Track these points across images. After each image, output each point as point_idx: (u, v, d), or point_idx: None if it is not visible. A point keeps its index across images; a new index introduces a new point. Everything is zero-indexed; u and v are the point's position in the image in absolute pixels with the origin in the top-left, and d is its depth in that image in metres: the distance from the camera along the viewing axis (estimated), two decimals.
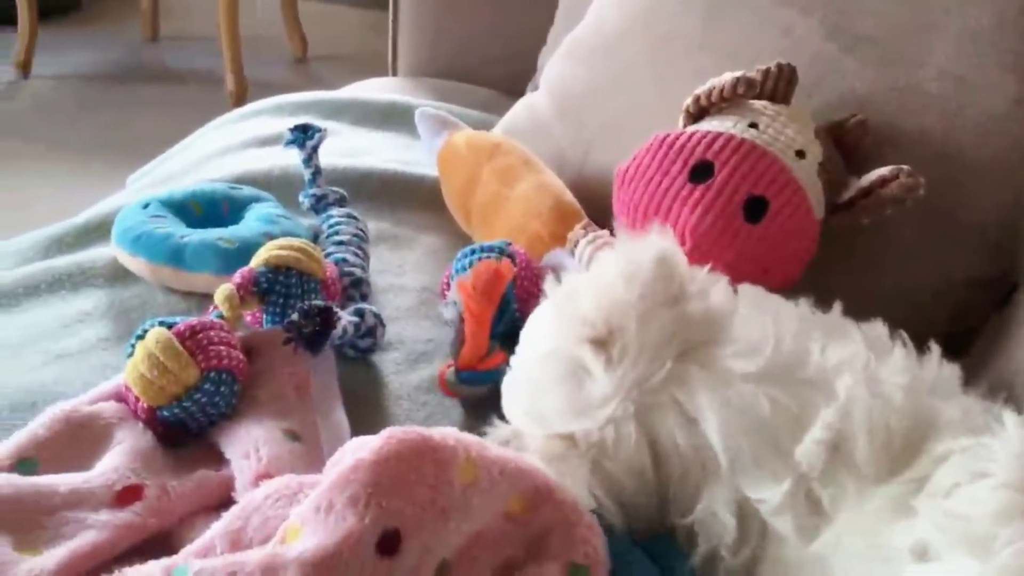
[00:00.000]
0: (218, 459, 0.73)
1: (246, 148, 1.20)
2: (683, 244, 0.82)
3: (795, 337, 0.66)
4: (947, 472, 0.59)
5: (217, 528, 0.61)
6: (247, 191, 1.03)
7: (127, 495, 0.67)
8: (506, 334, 0.87)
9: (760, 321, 0.67)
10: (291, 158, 1.08)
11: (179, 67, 3.12)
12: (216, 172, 1.12)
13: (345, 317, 0.83)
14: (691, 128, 0.89)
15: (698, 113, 0.90)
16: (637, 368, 0.65)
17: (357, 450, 0.60)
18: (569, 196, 1.01)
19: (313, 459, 0.72)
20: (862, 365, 0.64)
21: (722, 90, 0.87)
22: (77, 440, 0.72)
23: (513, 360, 0.74)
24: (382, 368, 0.86)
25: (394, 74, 1.62)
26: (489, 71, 1.52)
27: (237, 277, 0.83)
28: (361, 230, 1.00)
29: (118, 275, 0.94)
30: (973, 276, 0.92)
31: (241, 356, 0.78)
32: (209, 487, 0.70)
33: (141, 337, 0.76)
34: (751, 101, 0.89)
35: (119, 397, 0.76)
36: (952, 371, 0.66)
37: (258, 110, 1.35)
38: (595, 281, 0.70)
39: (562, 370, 0.68)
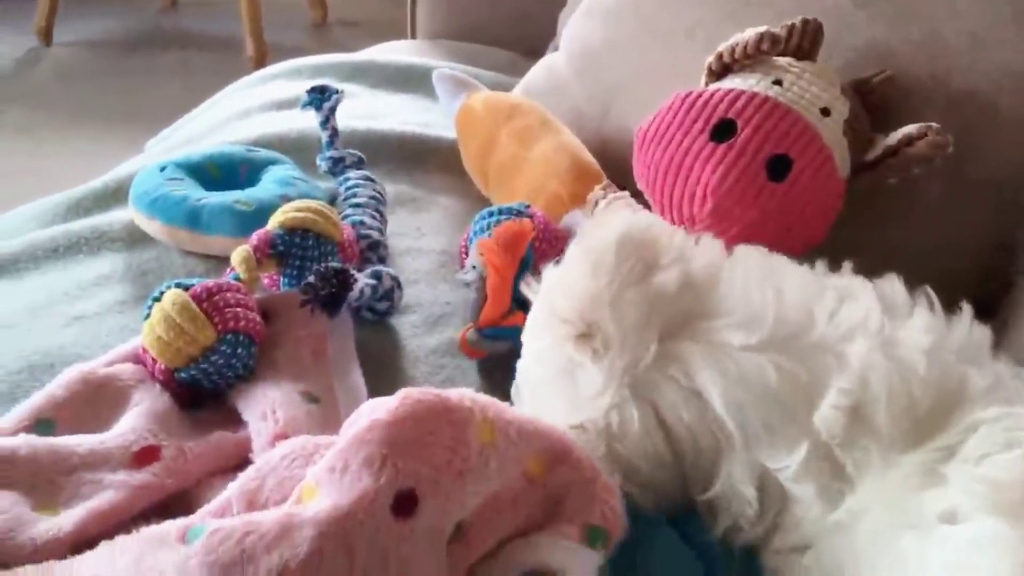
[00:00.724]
0: (235, 421, 0.73)
1: (263, 111, 1.20)
2: (704, 204, 0.81)
3: (800, 302, 0.64)
4: (977, 442, 0.57)
5: (233, 488, 0.61)
6: (264, 154, 1.02)
7: (144, 456, 0.67)
8: (524, 299, 0.86)
9: (760, 288, 0.65)
10: (308, 121, 1.08)
11: (199, 33, 3.12)
12: (233, 135, 1.11)
13: (362, 280, 0.83)
14: (713, 86, 0.87)
15: (721, 71, 0.88)
16: (624, 355, 0.64)
17: (373, 411, 0.59)
18: (588, 156, 0.99)
19: (330, 421, 0.71)
20: (876, 328, 0.62)
21: (745, 46, 0.86)
22: (94, 402, 0.72)
23: (518, 364, 0.74)
24: (399, 331, 0.86)
25: (412, 37, 1.61)
26: (508, 33, 1.51)
27: (254, 239, 0.83)
28: (379, 192, 0.99)
29: (135, 238, 0.94)
30: (1001, 239, 0.89)
31: (258, 318, 0.77)
32: (226, 448, 0.70)
33: (158, 299, 0.75)
34: (775, 58, 0.87)
35: (136, 359, 0.76)
36: (983, 334, 0.64)
37: (275, 73, 1.34)
38: (564, 276, 0.69)
39: (555, 369, 0.68)
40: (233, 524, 0.55)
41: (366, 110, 1.20)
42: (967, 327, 0.64)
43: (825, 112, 0.84)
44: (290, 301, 0.80)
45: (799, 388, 0.61)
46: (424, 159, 1.11)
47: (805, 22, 0.88)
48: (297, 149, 1.07)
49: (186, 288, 0.76)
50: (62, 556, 0.59)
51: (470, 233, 0.91)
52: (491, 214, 0.91)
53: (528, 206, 0.91)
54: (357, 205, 0.96)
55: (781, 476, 0.62)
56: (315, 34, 3.13)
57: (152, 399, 0.73)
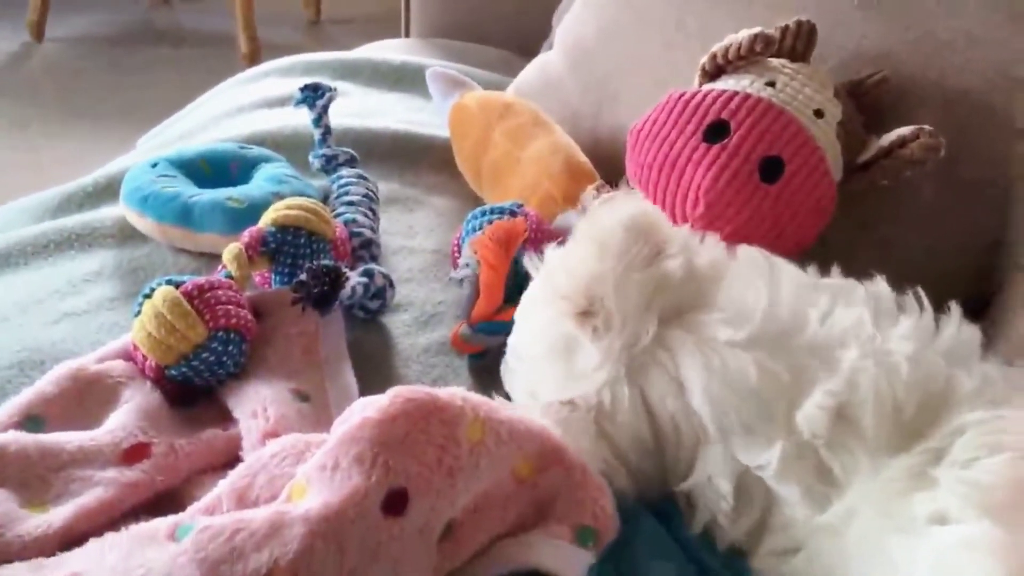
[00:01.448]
0: (226, 418, 0.73)
1: (256, 108, 1.20)
2: (696, 205, 0.81)
3: (793, 303, 0.65)
4: (964, 445, 0.58)
5: (223, 486, 0.61)
6: (256, 151, 1.02)
7: (134, 453, 0.67)
8: (516, 298, 0.86)
9: (754, 287, 0.66)
10: (301, 118, 1.07)
11: (192, 29, 3.11)
12: (226, 132, 1.11)
13: (354, 278, 0.83)
14: (707, 86, 0.87)
15: (714, 71, 0.88)
16: (623, 334, 0.65)
17: (364, 409, 0.59)
18: (581, 156, 0.99)
19: (321, 419, 0.71)
20: (868, 335, 0.63)
21: (739, 47, 0.85)
22: (84, 398, 0.72)
23: (509, 341, 0.74)
24: (391, 329, 0.86)
25: (407, 35, 1.61)
26: (502, 32, 1.50)
27: (246, 237, 0.83)
28: (371, 191, 0.99)
29: (127, 234, 0.93)
30: (994, 238, 0.90)
31: (249, 316, 0.77)
32: (216, 446, 0.70)
33: (149, 296, 0.75)
34: (769, 59, 0.87)
35: (127, 356, 0.76)
36: (972, 334, 0.65)
37: (268, 70, 1.34)
38: (570, 254, 0.70)
39: (554, 345, 0.69)
40: (223, 522, 0.55)
41: (359, 108, 1.20)
42: (956, 328, 0.65)
43: (818, 114, 0.84)
44: (281, 299, 0.80)
45: (780, 387, 0.62)
46: (417, 158, 1.11)
47: (799, 23, 0.88)
48: (289, 147, 1.07)
49: (177, 285, 0.75)
50: (51, 553, 0.59)
51: (462, 232, 0.91)
52: (484, 213, 0.91)
53: (521, 205, 0.91)
54: (349, 203, 0.96)
55: (763, 474, 0.62)
56: (308, 31, 3.12)
57: (142, 396, 0.73)
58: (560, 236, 0.89)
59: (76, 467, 0.65)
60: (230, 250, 0.81)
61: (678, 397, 0.64)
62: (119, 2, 3.22)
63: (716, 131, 0.82)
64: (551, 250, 0.73)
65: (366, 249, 0.91)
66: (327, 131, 1.05)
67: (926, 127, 0.82)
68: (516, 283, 0.86)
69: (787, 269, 0.69)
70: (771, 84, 0.85)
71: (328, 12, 3.16)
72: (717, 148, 0.81)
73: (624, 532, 0.64)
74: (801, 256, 0.72)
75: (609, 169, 0.97)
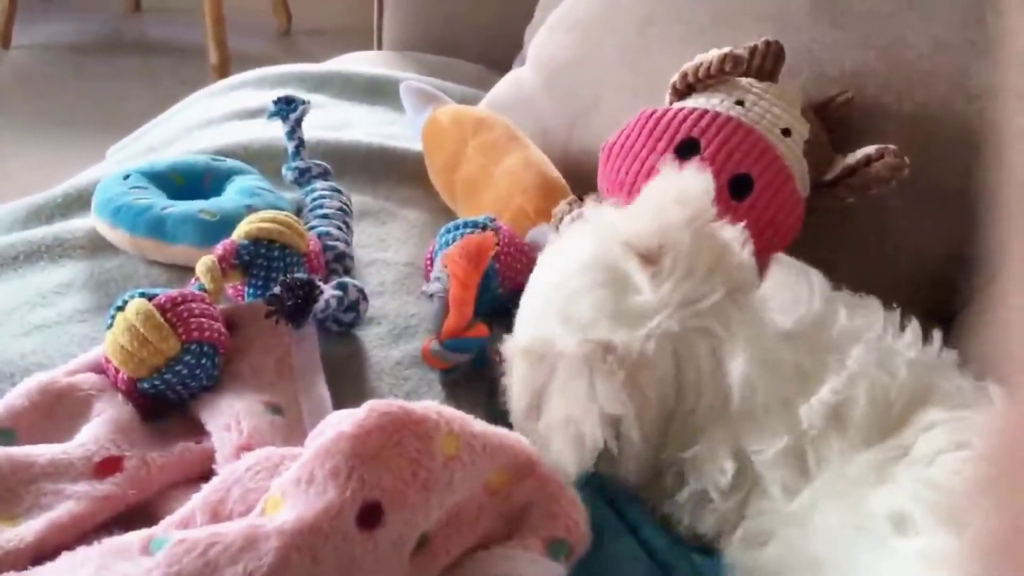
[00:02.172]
0: (199, 431, 0.73)
1: (228, 120, 1.19)
2: None
3: (822, 304, 0.68)
4: (931, 440, 0.60)
5: (197, 499, 0.61)
6: (229, 163, 1.02)
7: (106, 466, 0.67)
8: (487, 312, 0.87)
9: (799, 282, 0.69)
10: (274, 130, 1.07)
11: (162, 39, 3.09)
12: (198, 144, 1.11)
13: (328, 291, 0.83)
14: (678, 104, 0.88)
15: (685, 89, 0.90)
16: (684, 286, 0.66)
17: (339, 423, 0.59)
18: (554, 171, 1.00)
19: (295, 432, 0.71)
20: (877, 335, 0.66)
21: (709, 66, 0.87)
22: (55, 411, 0.72)
23: (536, 275, 0.75)
24: (365, 342, 0.86)
25: (379, 47, 1.61)
26: (475, 45, 1.51)
27: (219, 249, 0.83)
28: (345, 204, 1.00)
29: (98, 246, 0.93)
30: (957, 253, 0.92)
31: (222, 328, 0.77)
32: (189, 459, 0.70)
33: (121, 308, 0.75)
34: (738, 78, 0.89)
35: (98, 369, 0.76)
36: (951, 354, 0.68)
37: (241, 82, 1.33)
38: (646, 201, 0.72)
39: (603, 278, 0.69)
40: (197, 535, 0.55)
41: (332, 121, 1.20)
42: (939, 345, 0.68)
43: (786, 132, 0.86)
44: (255, 312, 0.80)
45: (803, 380, 0.65)
46: (389, 171, 1.11)
47: (767, 43, 0.90)
48: (262, 159, 1.06)
49: (150, 298, 0.75)
50: (23, 567, 0.59)
51: (435, 246, 0.92)
52: (456, 227, 0.91)
53: (494, 219, 0.92)
54: (323, 216, 0.96)
55: (757, 459, 0.64)
56: (279, 42, 3.11)
57: (114, 409, 0.72)
58: (533, 250, 0.90)
59: (47, 480, 0.65)
60: (203, 263, 0.81)
61: (714, 368, 0.66)
62: (87, 10, 3.20)
63: (687, 148, 0.84)
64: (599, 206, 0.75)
65: (339, 262, 0.92)
66: (300, 144, 1.05)
67: (890, 147, 0.84)
68: (486, 298, 0.86)
69: (815, 273, 0.71)
70: (740, 103, 0.86)
71: (298, 23, 3.16)
72: (687, 166, 0.83)
73: (593, 540, 0.65)
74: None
75: (581, 185, 0.98)
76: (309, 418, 0.74)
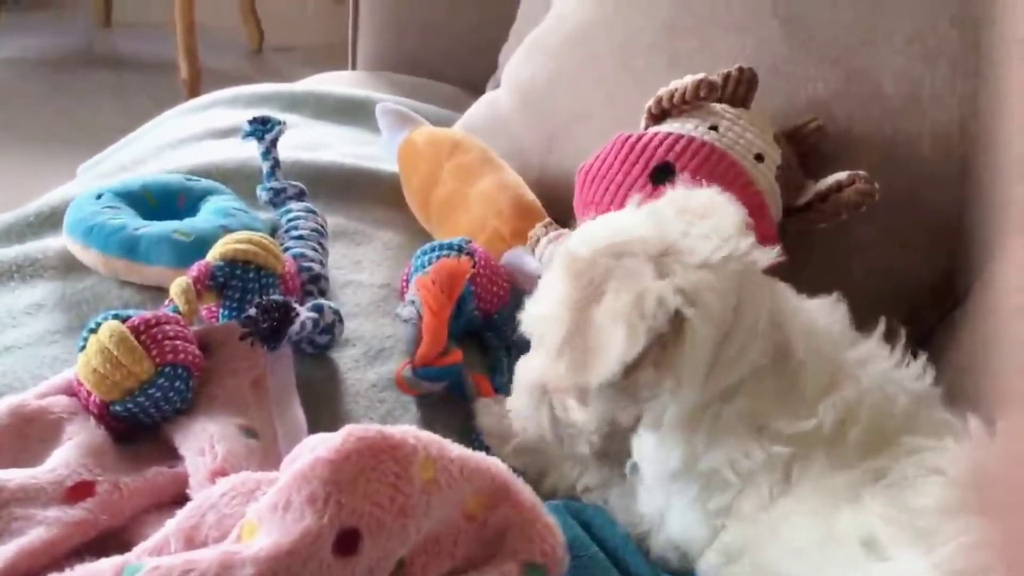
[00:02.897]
0: (172, 455, 0.72)
1: (202, 139, 1.19)
2: None
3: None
4: (907, 465, 0.62)
5: (171, 525, 0.60)
6: (203, 183, 1.01)
7: (78, 491, 0.66)
8: (462, 335, 0.87)
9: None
10: (249, 150, 1.07)
11: (132, 54, 3.07)
12: (172, 163, 1.10)
13: (303, 313, 0.82)
14: (653, 129, 0.89)
15: (660, 114, 0.91)
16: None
17: (316, 448, 0.59)
18: (530, 194, 1.01)
19: (269, 456, 0.71)
20: (889, 362, 0.68)
21: (684, 92, 0.88)
22: (26, 435, 0.71)
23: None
24: (340, 364, 0.85)
25: (353, 67, 1.61)
26: (450, 67, 1.52)
27: (193, 270, 0.82)
28: (320, 225, 0.99)
29: (70, 267, 0.92)
30: (927, 279, 0.93)
31: (197, 351, 0.77)
32: (162, 484, 0.69)
33: (94, 330, 0.74)
34: (712, 104, 0.90)
35: (70, 391, 0.75)
36: (936, 390, 0.69)
37: (215, 101, 1.33)
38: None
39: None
40: (172, 562, 0.55)
41: (306, 141, 1.20)
42: (930, 380, 0.69)
43: (759, 158, 0.87)
44: (230, 333, 0.79)
45: (825, 378, 0.66)
46: (364, 192, 1.11)
47: (741, 70, 0.91)
48: (237, 179, 1.06)
49: (123, 319, 0.74)
50: None
51: (411, 268, 0.92)
52: (432, 249, 0.92)
53: (470, 242, 0.92)
54: (299, 237, 0.96)
55: (774, 450, 0.64)
56: (251, 59, 3.11)
57: (86, 432, 0.71)
58: (508, 273, 0.90)
59: (18, 506, 0.64)
60: (178, 284, 0.80)
61: (770, 323, 0.67)
62: (57, 25, 3.18)
63: (662, 172, 0.85)
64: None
65: (315, 283, 0.91)
66: (276, 164, 1.04)
67: (861, 172, 0.86)
68: (462, 321, 0.86)
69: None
70: (714, 128, 0.87)
71: (270, 40, 3.15)
72: (663, 189, 0.83)
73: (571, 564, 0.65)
74: None
75: (556, 207, 0.98)
76: (284, 441, 0.73)
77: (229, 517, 0.60)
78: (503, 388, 0.82)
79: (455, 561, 0.63)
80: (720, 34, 0.99)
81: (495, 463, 0.66)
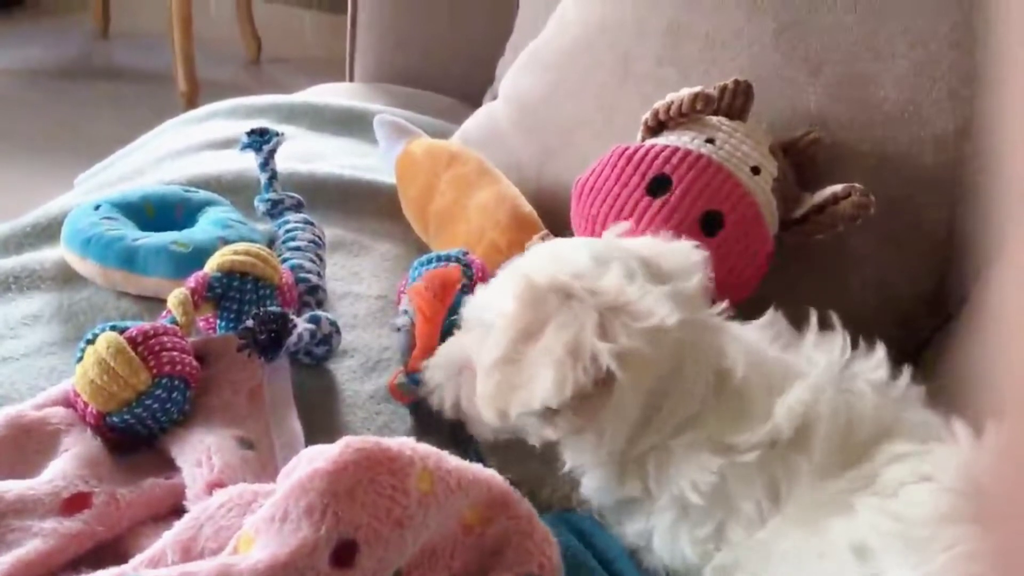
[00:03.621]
0: (169, 466, 0.72)
1: (201, 150, 1.19)
2: None
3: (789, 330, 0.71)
4: (895, 472, 0.61)
5: (168, 537, 0.61)
6: (201, 194, 1.01)
7: (75, 503, 0.66)
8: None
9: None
10: (247, 162, 1.07)
11: (130, 65, 3.08)
12: (170, 174, 1.10)
13: (301, 324, 0.82)
14: (649, 141, 0.89)
15: (657, 127, 0.91)
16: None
17: (313, 459, 0.59)
18: (527, 206, 1.01)
19: (266, 467, 0.71)
20: (839, 357, 0.68)
21: (680, 105, 0.89)
22: (23, 446, 0.71)
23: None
24: (337, 376, 0.86)
25: (351, 79, 1.61)
26: (447, 79, 1.52)
27: (191, 282, 0.82)
28: (318, 236, 1.00)
29: (67, 277, 0.92)
30: (921, 291, 0.94)
31: (194, 362, 0.77)
32: (159, 495, 0.69)
33: (91, 341, 0.74)
34: (708, 116, 0.90)
35: (67, 402, 0.75)
36: (918, 389, 0.69)
37: (213, 112, 1.33)
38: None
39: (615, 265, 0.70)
40: (168, 574, 0.55)
41: (304, 152, 1.20)
42: (907, 381, 0.69)
43: (755, 170, 0.87)
44: (227, 345, 0.80)
45: (778, 376, 0.67)
46: (363, 203, 1.12)
47: (737, 83, 0.91)
48: (235, 190, 1.06)
49: (121, 331, 0.74)
50: None
51: (408, 279, 0.92)
52: (429, 260, 0.92)
53: (467, 253, 0.92)
54: (296, 248, 0.96)
55: (740, 459, 0.64)
56: (248, 71, 3.11)
57: (83, 444, 0.71)
58: None
59: (14, 517, 0.64)
60: (175, 295, 0.80)
61: (711, 357, 0.68)
62: (54, 35, 3.18)
63: (659, 185, 0.85)
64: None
65: (312, 295, 0.92)
66: (273, 176, 1.05)
67: (857, 185, 0.86)
68: (453, 331, 0.86)
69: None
70: (711, 141, 0.88)
71: (267, 51, 3.16)
72: (660, 202, 0.84)
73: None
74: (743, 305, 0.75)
75: (553, 219, 0.98)
76: (281, 453, 0.73)
77: (226, 529, 0.60)
78: None
79: (452, 572, 0.63)
80: (718, 46, 0.99)
81: (492, 475, 0.66)
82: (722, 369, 0.67)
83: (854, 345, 0.69)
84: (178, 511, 0.67)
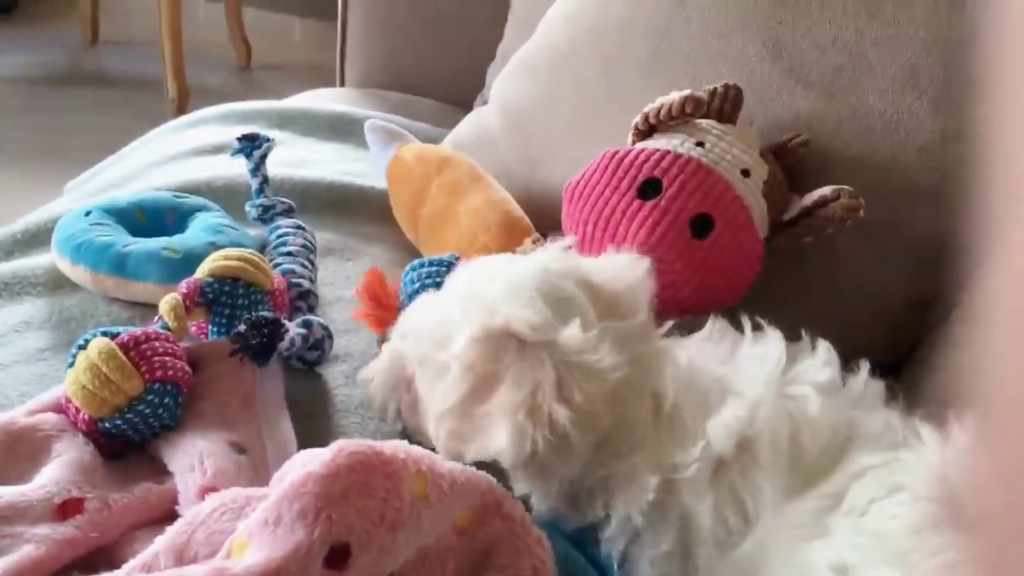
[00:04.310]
0: (161, 472, 0.72)
1: (191, 156, 1.19)
2: None
3: (726, 335, 0.71)
4: (863, 488, 0.59)
5: (161, 542, 0.60)
6: (192, 200, 1.01)
7: (67, 508, 0.66)
8: None
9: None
10: (238, 167, 1.07)
11: (120, 72, 3.07)
12: (160, 180, 1.10)
13: (293, 329, 0.83)
14: (640, 145, 0.90)
15: (647, 130, 0.92)
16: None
17: (306, 463, 0.59)
18: (518, 210, 1.01)
19: (259, 472, 0.71)
20: (775, 362, 0.66)
21: (671, 108, 0.89)
22: (14, 452, 0.71)
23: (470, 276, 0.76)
24: (329, 381, 0.86)
25: (342, 84, 1.62)
26: (438, 84, 1.53)
27: (183, 287, 0.82)
28: (309, 241, 1.00)
29: (58, 284, 0.92)
30: (910, 296, 0.94)
31: (186, 367, 0.77)
32: (152, 500, 0.69)
33: (83, 347, 0.74)
34: (698, 120, 0.91)
35: (59, 408, 0.75)
36: (877, 387, 0.67)
37: (204, 118, 1.33)
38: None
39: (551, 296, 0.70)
40: None
41: (295, 158, 1.20)
42: (864, 380, 0.67)
43: (745, 173, 0.88)
44: (219, 350, 0.80)
45: (712, 391, 0.66)
46: (355, 208, 1.12)
47: (727, 87, 0.92)
48: (226, 196, 1.06)
49: (112, 336, 0.74)
50: None
51: (400, 284, 0.92)
52: (421, 265, 0.92)
53: (459, 257, 0.92)
54: (288, 254, 0.96)
55: (681, 475, 0.64)
56: (239, 77, 3.11)
57: (75, 450, 0.71)
58: None
59: (6, 523, 0.64)
60: (167, 301, 0.80)
61: (646, 383, 0.68)
62: (43, 42, 3.17)
63: (649, 188, 0.85)
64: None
65: (304, 300, 0.92)
66: (264, 181, 1.05)
67: (846, 187, 0.87)
68: None
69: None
70: (701, 144, 0.88)
71: (258, 57, 3.16)
72: (650, 205, 0.84)
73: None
74: (730, 310, 0.75)
75: (543, 223, 0.99)
76: (274, 457, 0.73)
77: (219, 533, 0.60)
78: None
79: (446, 575, 0.63)
80: (705, 54, 0.99)
81: (486, 478, 0.66)
82: (657, 393, 0.67)
83: (798, 343, 0.68)
84: (171, 516, 0.67)
